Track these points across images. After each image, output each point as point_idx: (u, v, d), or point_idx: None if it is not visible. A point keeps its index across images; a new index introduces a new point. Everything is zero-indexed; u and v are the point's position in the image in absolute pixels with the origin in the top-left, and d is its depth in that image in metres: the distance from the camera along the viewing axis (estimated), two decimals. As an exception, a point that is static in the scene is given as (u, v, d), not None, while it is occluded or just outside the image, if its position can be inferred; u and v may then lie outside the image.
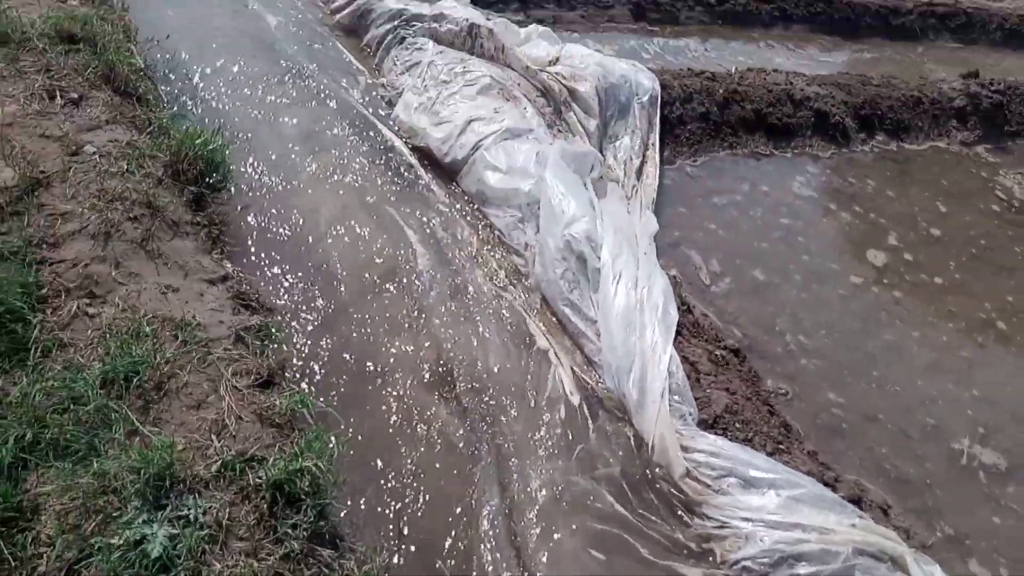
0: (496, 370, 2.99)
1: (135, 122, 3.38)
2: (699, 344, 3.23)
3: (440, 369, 2.94)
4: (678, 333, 3.11)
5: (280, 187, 3.59)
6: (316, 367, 2.85)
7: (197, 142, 3.23)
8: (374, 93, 4.35)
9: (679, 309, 3.25)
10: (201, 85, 4.03)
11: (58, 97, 3.32)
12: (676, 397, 2.84)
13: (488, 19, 4.84)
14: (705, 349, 3.20)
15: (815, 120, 5.02)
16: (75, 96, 3.35)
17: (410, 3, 4.58)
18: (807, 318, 3.78)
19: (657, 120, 4.56)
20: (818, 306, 3.88)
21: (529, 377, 2.99)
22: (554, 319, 3.27)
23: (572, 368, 3.06)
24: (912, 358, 3.69)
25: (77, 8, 3.91)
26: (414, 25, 4.53)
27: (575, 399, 2.94)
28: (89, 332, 2.42)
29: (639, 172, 4.36)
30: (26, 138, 3.08)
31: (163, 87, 3.90)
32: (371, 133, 4.07)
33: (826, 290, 4.01)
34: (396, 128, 4.13)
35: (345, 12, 4.75)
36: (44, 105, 3.27)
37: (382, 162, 3.92)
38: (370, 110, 4.23)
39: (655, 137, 4.50)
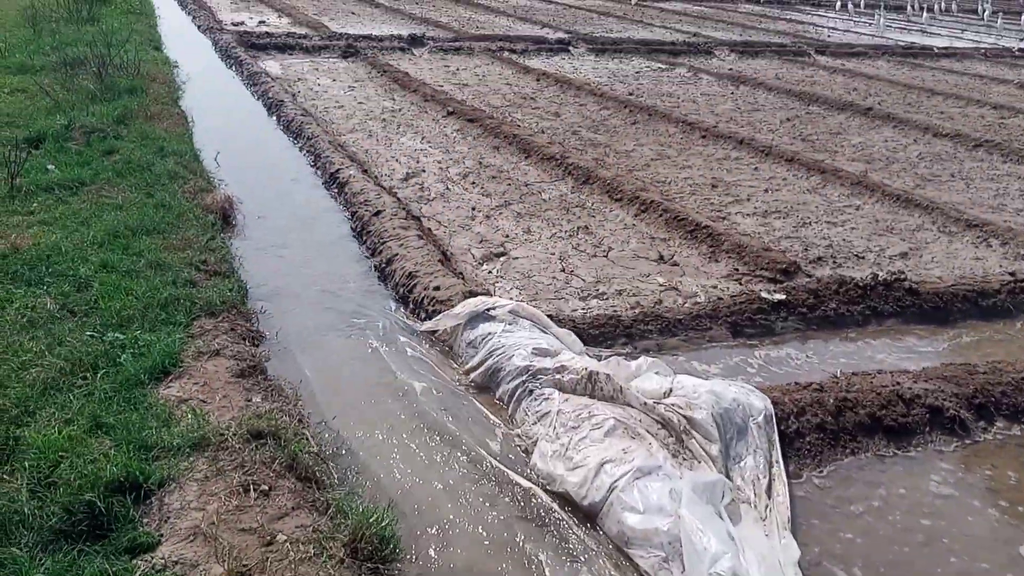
0: None
1: (315, 505, 3.88)
2: None
3: None
4: (844, 670, 3.10)
5: (442, 546, 3.94)
6: None
7: (371, 520, 3.67)
8: (511, 444, 4.82)
9: (839, 641, 3.27)
10: (365, 463, 4.56)
11: (252, 491, 3.88)
12: None
13: (601, 359, 5.41)
14: None
15: (930, 416, 5.14)
16: (265, 488, 3.91)
17: (534, 359, 5.20)
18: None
19: (775, 436, 4.81)
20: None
21: None
22: (716, 664, 3.33)
23: None
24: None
25: (261, 404, 4.65)
26: (539, 378, 5.11)
27: None
28: None
29: (768, 490, 4.53)
30: (229, 534, 3.58)
31: (334, 463, 4.46)
32: (513, 483, 4.47)
33: (982, 594, 3.91)
34: (535, 476, 4.53)
35: (478, 372, 5.41)
36: (241, 500, 3.82)
37: (525, 509, 4.26)
38: (510, 462, 4.67)
39: (778, 453, 4.72)
